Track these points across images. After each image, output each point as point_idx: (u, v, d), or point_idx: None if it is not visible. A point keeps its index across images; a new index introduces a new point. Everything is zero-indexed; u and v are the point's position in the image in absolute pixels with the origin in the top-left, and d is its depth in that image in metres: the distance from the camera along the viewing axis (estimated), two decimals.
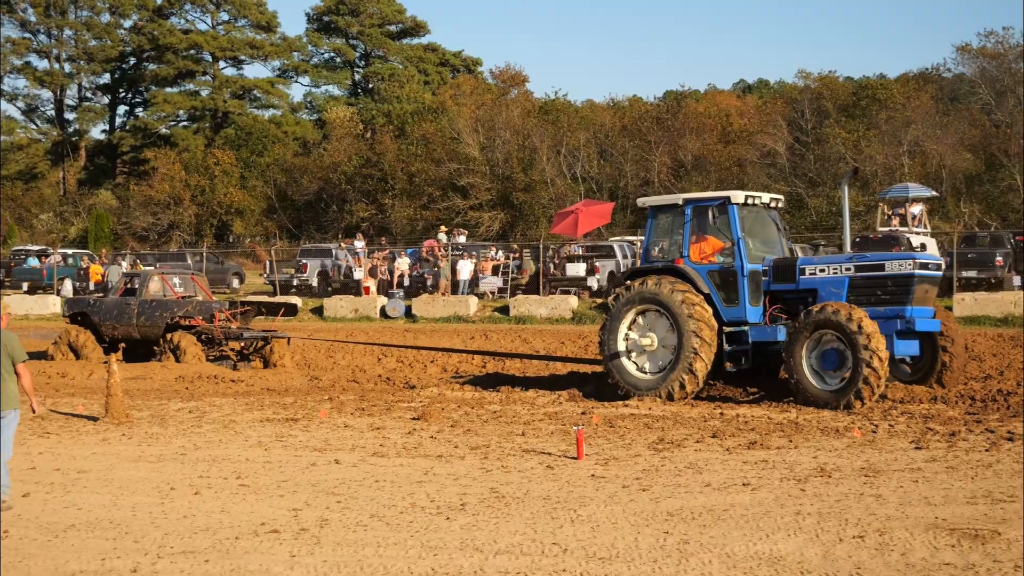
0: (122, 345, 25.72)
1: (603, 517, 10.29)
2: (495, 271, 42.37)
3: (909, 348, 17.59)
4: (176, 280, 28.71)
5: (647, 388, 18.31)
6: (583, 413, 17.57)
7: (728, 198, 18.57)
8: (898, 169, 55.53)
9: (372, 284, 41.79)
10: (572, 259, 40.61)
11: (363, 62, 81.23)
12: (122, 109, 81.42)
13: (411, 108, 68.79)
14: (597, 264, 40.35)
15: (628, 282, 19.02)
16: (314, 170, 67.40)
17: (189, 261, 47.73)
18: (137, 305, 26.15)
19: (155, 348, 25.57)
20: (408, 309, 38.25)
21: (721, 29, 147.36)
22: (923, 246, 39.00)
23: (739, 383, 19.33)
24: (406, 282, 42.89)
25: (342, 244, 48.93)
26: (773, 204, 19.46)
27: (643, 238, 21.45)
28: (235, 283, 46.49)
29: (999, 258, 38.69)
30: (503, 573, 8.61)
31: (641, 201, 20.25)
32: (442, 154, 61.77)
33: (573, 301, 37.51)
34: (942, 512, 10.25)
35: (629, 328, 18.66)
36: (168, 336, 25.12)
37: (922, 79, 65.59)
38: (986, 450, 13.65)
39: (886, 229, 42.98)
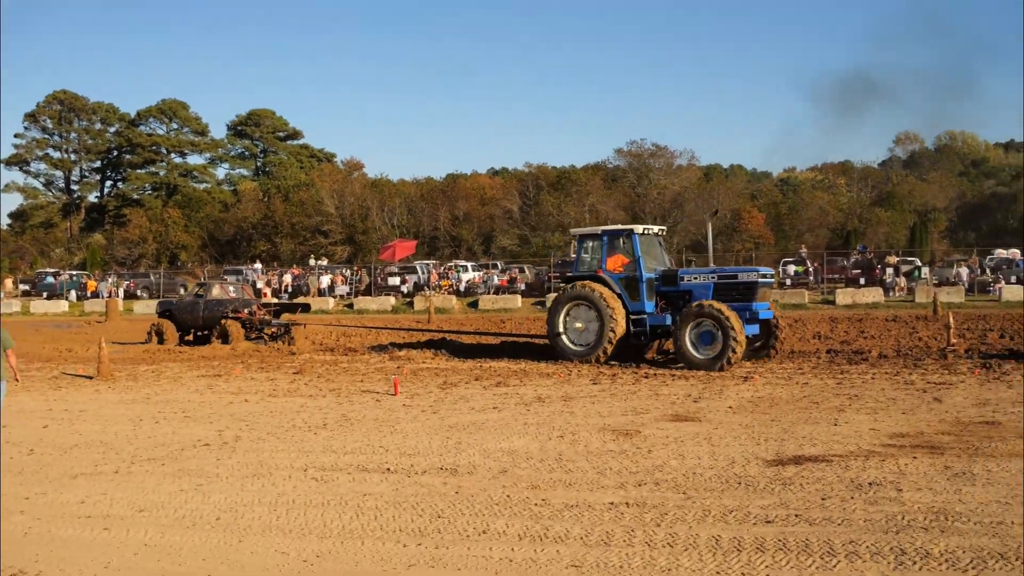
0: (192, 330, 27.10)
1: (410, 430, 11.17)
2: (345, 281, 50.72)
3: (753, 329, 18.07)
4: (231, 288, 29.30)
5: (579, 355, 18.70)
6: (398, 367, 18.49)
7: (632, 229, 19.28)
8: (583, 220, 63.91)
9: (268, 291, 48.40)
10: (391, 274, 46.30)
11: (263, 154, 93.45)
12: (108, 183, 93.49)
13: (292, 183, 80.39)
14: (407, 277, 49.37)
15: (564, 285, 19.65)
16: (231, 221, 77.85)
17: (152, 278, 56.41)
18: (204, 304, 26.84)
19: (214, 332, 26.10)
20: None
21: (480, 133, 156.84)
22: None
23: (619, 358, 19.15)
24: (290, 289, 49.98)
25: (250, 266, 57.50)
26: (659, 233, 20.22)
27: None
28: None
29: None
30: (349, 464, 9.29)
31: (573, 231, 20.67)
32: (311, 211, 72.15)
33: (392, 299, 43.75)
34: (608, 420, 11.60)
35: (565, 316, 18.99)
36: (222, 323, 25.74)
37: (595, 168, 76.57)
38: (632, 384, 15.16)
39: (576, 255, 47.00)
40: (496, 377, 16.46)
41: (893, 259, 46.06)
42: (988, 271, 45.62)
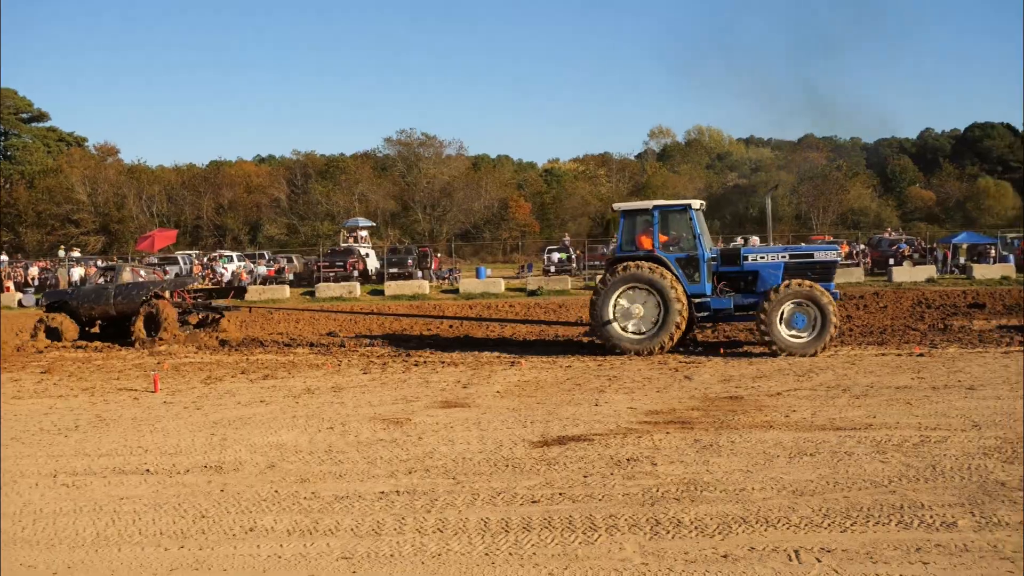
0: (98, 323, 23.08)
1: (172, 428, 10.72)
2: (98, 275, 44.30)
3: None
4: (142, 271, 25.52)
5: (635, 346, 16.59)
6: (158, 363, 17.56)
7: (689, 204, 17.41)
8: (353, 209, 63.99)
9: (11, 283, 43.59)
10: (150, 265, 43.06)
11: (3, 137, 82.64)
12: None
13: (38, 168, 73.90)
14: (167, 268, 44.99)
15: (616, 266, 16.97)
16: None
17: None
18: (115, 290, 22.58)
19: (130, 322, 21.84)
20: (37, 300, 38.02)
21: (246, 119, 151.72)
22: (367, 254, 42.26)
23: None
24: (36, 282, 45.05)
25: None
26: (702, 208, 17.97)
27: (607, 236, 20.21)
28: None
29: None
30: (104, 467, 8.80)
31: (616, 206, 18.03)
32: (60, 199, 67.34)
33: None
34: (378, 410, 11.57)
35: (616, 301, 16.76)
36: (154, 304, 21.62)
37: (365, 156, 75.99)
38: (403, 372, 15.22)
39: (346, 244, 46.56)
40: (263, 370, 16.03)
41: None
42: None
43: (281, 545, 6.32)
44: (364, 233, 51.93)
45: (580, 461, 8.40)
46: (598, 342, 17.50)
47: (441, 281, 44.33)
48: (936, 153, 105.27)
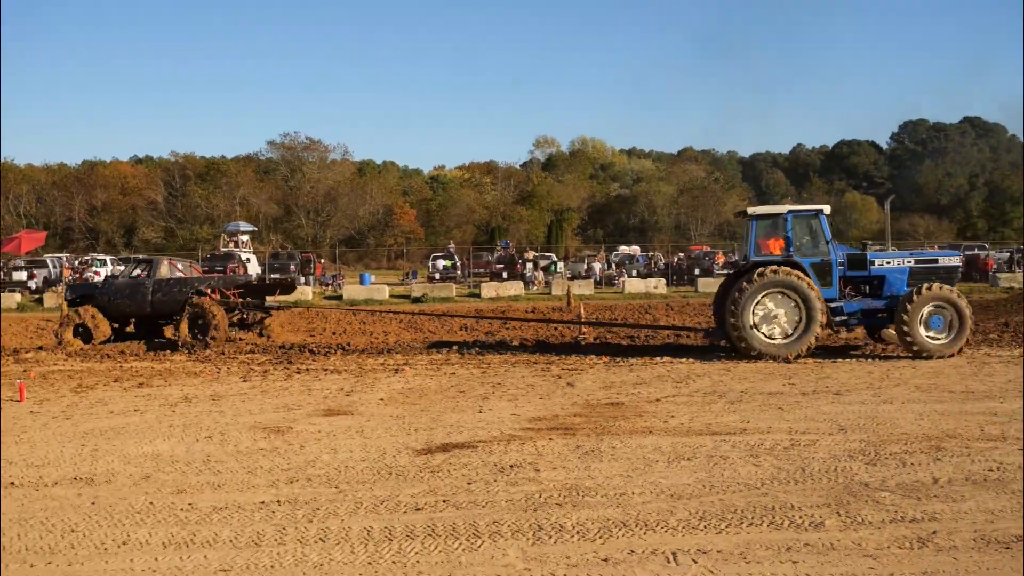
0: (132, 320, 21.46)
1: (39, 439, 10.28)
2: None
3: None
4: (180, 265, 23.15)
5: (778, 351, 16.33)
6: (24, 371, 16.73)
7: (821, 210, 17.32)
8: (234, 213, 62.77)
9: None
10: (17, 268, 41.57)
11: None
12: None
13: None
14: (35, 272, 41.67)
15: (758, 271, 16.59)
16: None
17: None
18: (152, 285, 20.87)
19: (173, 320, 20.40)
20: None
21: (121, 117, 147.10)
22: (248, 259, 41.59)
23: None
24: None
25: None
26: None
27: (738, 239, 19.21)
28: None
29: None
30: None
31: (750, 210, 17.56)
32: None
33: (18, 296, 38.49)
34: (259, 418, 11.34)
35: (756, 306, 16.52)
36: (196, 304, 20.02)
37: (247, 160, 74.46)
38: (284, 380, 14.94)
39: (226, 249, 45.69)
40: (138, 377, 15.49)
41: (531, 254, 49.06)
42: (614, 266, 49.93)
43: (156, 559, 6.12)
44: (245, 238, 50.94)
45: (464, 468, 8.41)
46: (718, 345, 18.02)
47: (324, 287, 43.75)
48: (807, 168, 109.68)
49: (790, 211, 17.30)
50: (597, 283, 44.82)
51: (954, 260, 17.96)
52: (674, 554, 5.96)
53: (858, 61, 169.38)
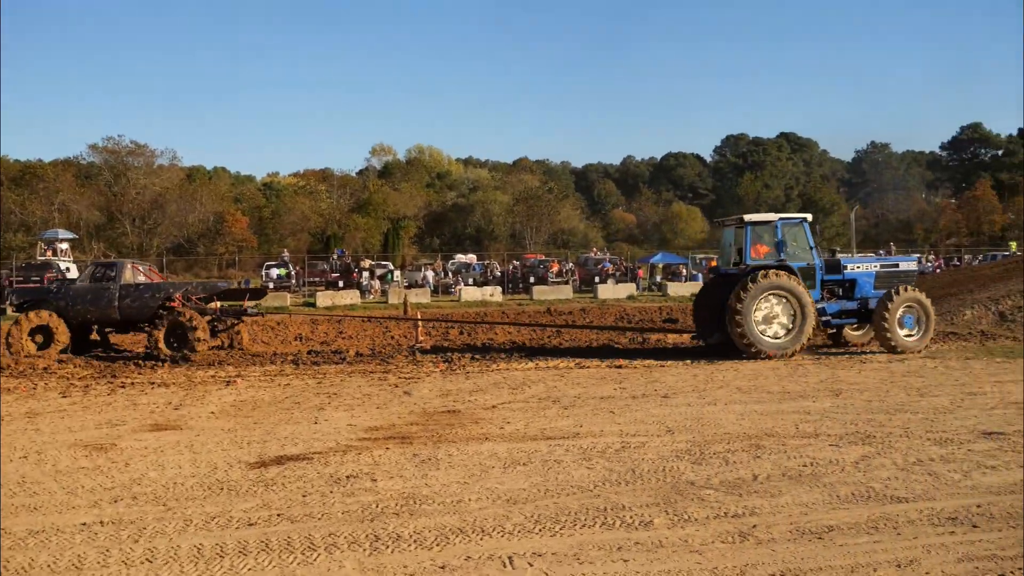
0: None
1: None
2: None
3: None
4: (142, 269, 20.81)
5: (778, 350, 17.48)
6: None
7: (805, 218, 18.94)
8: (52, 219, 59.83)
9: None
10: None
11: None
12: None
13: None
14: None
15: (760, 273, 17.70)
16: None
17: None
18: (119, 290, 19.42)
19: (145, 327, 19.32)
20: None
21: None
22: (69, 269, 39.84)
23: None
24: None
25: None
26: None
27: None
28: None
29: None
30: None
31: (747, 217, 18.71)
32: None
33: None
34: (80, 435, 10.76)
35: (757, 307, 17.57)
36: (177, 312, 18.99)
37: (66, 164, 72.12)
38: (108, 395, 14.24)
39: (44, 258, 43.39)
40: None
41: (367, 263, 48.66)
42: (450, 274, 50.15)
43: None
44: (64, 246, 48.10)
45: (299, 480, 8.25)
46: (707, 344, 19.02)
47: None
48: (636, 179, 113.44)
49: (780, 219, 18.60)
50: (434, 291, 44.90)
51: (912, 264, 19.73)
52: (510, 558, 6.04)
53: (681, 80, 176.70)
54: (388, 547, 6.31)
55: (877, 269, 19.01)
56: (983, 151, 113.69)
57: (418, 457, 9.14)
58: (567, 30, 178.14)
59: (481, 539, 6.46)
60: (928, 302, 18.20)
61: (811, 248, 18.47)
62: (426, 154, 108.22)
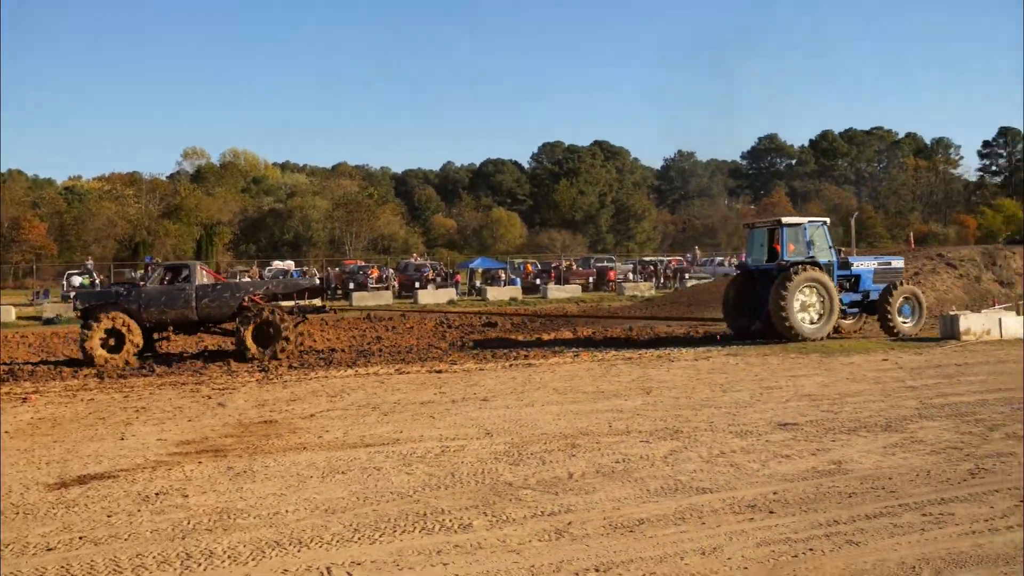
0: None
1: None
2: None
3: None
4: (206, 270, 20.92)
5: (814, 334, 20.16)
6: None
7: (825, 221, 21.79)
8: None
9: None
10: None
11: None
12: None
13: None
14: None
15: (795, 268, 20.30)
16: None
17: None
18: (196, 291, 19.32)
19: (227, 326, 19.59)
20: None
21: None
22: None
23: None
24: None
25: None
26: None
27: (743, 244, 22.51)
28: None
29: None
30: None
31: (785, 219, 21.56)
32: None
33: None
34: None
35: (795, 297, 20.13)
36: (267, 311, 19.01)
37: None
38: None
39: None
40: None
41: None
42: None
43: None
44: None
45: (104, 500, 7.82)
46: (739, 332, 21.51)
47: None
48: (456, 185, 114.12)
49: (809, 221, 21.52)
50: None
51: (900, 263, 22.89)
52: (328, 568, 5.94)
53: (500, 87, 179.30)
54: (200, 565, 6.08)
55: (876, 266, 21.99)
56: (778, 160, 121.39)
57: (233, 470, 8.86)
58: (385, 31, 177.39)
59: (299, 551, 6.32)
60: (921, 295, 21.48)
61: (830, 247, 21.26)
62: (241, 158, 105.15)
